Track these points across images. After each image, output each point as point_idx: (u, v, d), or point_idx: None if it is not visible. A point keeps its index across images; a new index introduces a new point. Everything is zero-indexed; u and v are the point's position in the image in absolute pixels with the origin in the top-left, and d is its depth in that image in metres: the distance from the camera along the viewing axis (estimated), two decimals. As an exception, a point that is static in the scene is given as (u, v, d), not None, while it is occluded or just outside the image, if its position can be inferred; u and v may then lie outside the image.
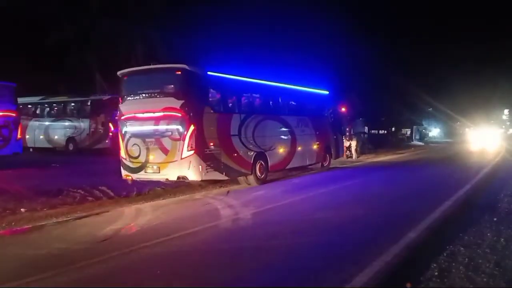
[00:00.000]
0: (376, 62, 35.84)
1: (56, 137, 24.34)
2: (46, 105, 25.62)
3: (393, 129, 54.44)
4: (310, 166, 17.84)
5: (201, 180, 12.23)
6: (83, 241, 7.17)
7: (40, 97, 25.70)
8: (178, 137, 11.60)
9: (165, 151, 11.78)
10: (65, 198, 10.81)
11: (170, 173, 11.81)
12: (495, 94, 52.78)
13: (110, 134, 22.40)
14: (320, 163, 18.12)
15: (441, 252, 5.90)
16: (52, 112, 25.36)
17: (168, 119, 11.73)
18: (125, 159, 12.35)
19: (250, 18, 29.77)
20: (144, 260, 6.24)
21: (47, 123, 24.78)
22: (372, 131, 48.01)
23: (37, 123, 24.85)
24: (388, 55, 38.59)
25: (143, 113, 12.06)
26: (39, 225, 8.45)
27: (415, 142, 51.83)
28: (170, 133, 11.71)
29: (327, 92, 19.30)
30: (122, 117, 12.49)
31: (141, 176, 12.16)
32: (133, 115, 12.22)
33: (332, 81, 21.86)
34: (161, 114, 11.77)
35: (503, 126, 59.32)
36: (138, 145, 12.00)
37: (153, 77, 12.57)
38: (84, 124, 23.41)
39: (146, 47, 28.34)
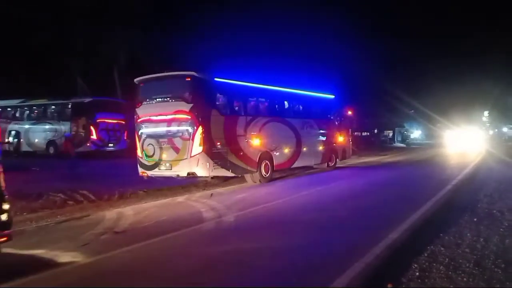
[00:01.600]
0: (358, 64, 36.22)
1: (36, 140, 23.97)
2: (26, 108, 25.22)
3: (376, 131, 54.91)
4: (316, 166, 18.86)
5: (211, 177, 13.65)
6: (62, 246, 7.04)
7: (20, 100, 25.32)
8: (188, 137, 12.81)
9: (176, 150, 13.00)
10: (45, 203, 10.65)
11: (181, 170, 12.99)
12: (475, 97, 53.71)
13: (93, 137, 22.18)
14: (326, 163, 19.16)
15: (422, 252, 5.95)
16: (32, 115, 24.97)
17: (179, 121, 12.99)
18: (141, 157, 13.65)
19: (254, 24, 30.13)
20: (125, 265, 6.17)
21: (27, 126, 24.39)
22: (355, 133, 48.35)
23: (16, 126, 24.46)
24: (370, 57, 39.01)
25: (157, 115, 13.35)
26: (19, 230, 8.26)
27: (397, 144, 52.36)
28: (181, 133, 12.93)
29: (333, 96, 20.30)
30: (139, 120, 13.78)
31: (155, 172, 13.41)
32: (148, 117, 13.53)
33: (325, 84, 22.14)
34: (172, 116, 13.06)
35: (483, 128, 60.24)
36: (153, 145, 13.28)
37: (165, 83, 13.83)
38: (65, 127, 23.08)
39: (129, 51, 28.16)
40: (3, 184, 5.89)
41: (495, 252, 5.91)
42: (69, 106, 23.86)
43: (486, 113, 62.93)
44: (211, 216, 9.32)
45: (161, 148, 13.17)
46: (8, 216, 5.91)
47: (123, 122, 23.83)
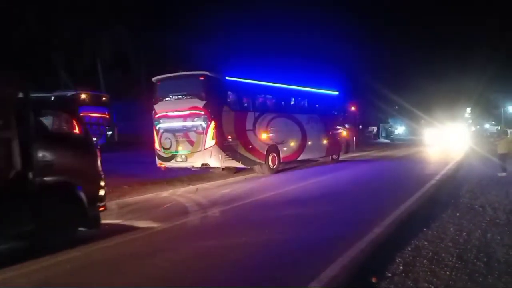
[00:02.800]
0: (344, 61, 36.41)
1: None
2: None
3: (360, 126, 55.17)
4: (321, 159, 20.07)
5: (222, 168, 15.07)
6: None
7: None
8: (201, 131, 13.93)
9: (191, 143, 14.14)
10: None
11: (195, 161, 14.16)
12: (458, 93, 54.27)
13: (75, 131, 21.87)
14: (330, 156, 20.30)
15: (406, 246, 6.01)
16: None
17: (194, 116, 14.09)
18: (159, 150, 14.77)
19: (254, 22, 30.36)
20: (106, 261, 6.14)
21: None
22: (359, 127, 48.73)
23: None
24: (356, 54, 39.22)
25: (173, 111, 14.48)
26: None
27: (382, 140, 52.75)
28: (195, 128, 14.04)
29: (337, 93, 21.46)
30: (156, 116, 14.84)
31: (172, 164, 14.60)
32: (165, 113, 14.62)
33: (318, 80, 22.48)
34: (188, 112, 14.16)
35: (466, 124, 60.92)
36: (170, 139, 14.42)
37: (181, 82, 14.91)
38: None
39: (113, 45, 27.85)
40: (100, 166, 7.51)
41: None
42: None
43: (468, 109, 63.70)
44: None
45: (177, 142, 14.28)
46: (104, 191, 7.57)
47: (107, 116, 23.62)
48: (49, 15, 26.39)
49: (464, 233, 6.66)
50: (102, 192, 7.50)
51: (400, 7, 53.45)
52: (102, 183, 7.52)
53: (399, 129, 69.81)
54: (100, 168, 7.57)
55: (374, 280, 4.83)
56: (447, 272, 5.00)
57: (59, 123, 7.57)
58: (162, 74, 15.38)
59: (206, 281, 5.12)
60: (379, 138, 54.71)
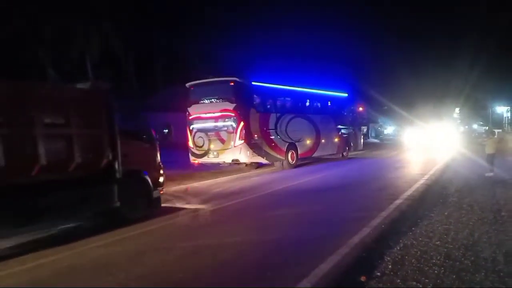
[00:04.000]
0: (333, 60, 36.56)
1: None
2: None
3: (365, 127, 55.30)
4: (332, 156, 21.88)
5: (246, 164, 17.19)
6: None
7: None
8: (232, 130, 15.79)
9: (222, 141, 16.01)
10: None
11: (226, 157, 16.06)
12: (447, 94, 54.61)
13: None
14: (340, 154, 22.24)
15: (395, 245, 6.07)
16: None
17: (225, 117, 15.90)
18: (193, 148, 16.69)
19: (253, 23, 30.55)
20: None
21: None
22: (369, 127, 48.93)
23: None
24: (344, 53, 39.39)
25: (206, 113, 16.29)
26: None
27: (371, 140, 52.96)
28: (226, 128, 15.89)
29: (346, 94, 23.12)
30: (190, 117, 16.68)
31: (204, 160, 16.55)
32: (198, 115, 16.46)
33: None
34: (219, 114, 15.99)
35: (455, 124, 61.31)
36: (202, 137, 16.29)
37: (212, 87, 16.61)
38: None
39: (102, 43, 27.64)
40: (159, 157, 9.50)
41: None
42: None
43: (457, 110, 64.22)
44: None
45: (209, 140, 16.16)
46: (163, 178, 9.56)
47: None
48: (36, 11, 26.12)
49: (452, 232, 6.74)
50: (161, 179, 9.50)
51: (387, 7, 53.57)
52: (162, 172, 9.51)
53: (388, 129, 70.19)
54: (159, 159, 9.53)
55: (363, 279, 4.87)
56: (435, 271, 5.06)
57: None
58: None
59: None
60: (369, 138, 54.94)
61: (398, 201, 9.57)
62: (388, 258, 5.51)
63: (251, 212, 9.43)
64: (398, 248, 5.95)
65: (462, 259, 5.46)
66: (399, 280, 4.81)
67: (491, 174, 13.80)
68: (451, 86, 50.96)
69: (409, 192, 10.81)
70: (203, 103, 16.56)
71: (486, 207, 8.65)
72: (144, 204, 8.80)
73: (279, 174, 16.25)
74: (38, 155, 6.78)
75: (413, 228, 6.97)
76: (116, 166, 8.05)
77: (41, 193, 6.87)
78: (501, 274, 4.93)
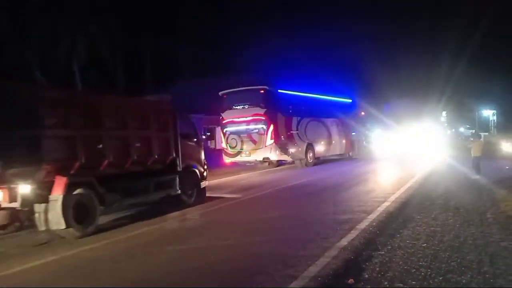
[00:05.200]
0: (318, 63, 36.65)
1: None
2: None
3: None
4: (341, 156, 24.17)
5: (269, 163, 19.92)
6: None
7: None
8: (262, 132, 18.25)
9: (254, 142, 18.52)
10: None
11: (257, 156, 18.61)
12: (434, 98, 54.87)
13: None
14: (347, 154, 24.59)
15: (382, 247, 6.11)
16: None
17: (256, 121, 18.37)
18: (226, 148, 19.25)
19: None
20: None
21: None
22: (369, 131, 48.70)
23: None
24: (329, 56, 39.52)
25: (238, 118, 18.85)
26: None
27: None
28: (257, 130, 18.31)
29: (350, 100, 25.69)
30: (224, 121, 19.31)
31: (237, 159, 19.15)
32: (231, 120, 19.02)
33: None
34: (251, 118, 18.51)
35: (441, 127, 61.58)
36: (235, 139, 18.79)
37: (244, 94, 19.04)
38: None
39: (90, 45, 27.43)
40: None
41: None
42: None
43: (444, 113, 64.71)
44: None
45: (242, 141, 18.63)
46: (206, 172, 11.89)
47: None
48: (22, 14, 25.84)
49: (439, 234, 6.79)
50: (205, 173, 11.77)
51: (369, 7, 53.97)
52: (205, 167, 11.82)
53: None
54: (204, 156, 11.88)
55: (351, 281, 4.89)
56: (422, 273, 5.09)
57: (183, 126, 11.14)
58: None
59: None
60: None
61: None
62: (376, 260, 5.54)
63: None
64: (385, 250, 5.99)
65: (449, 261, 5.50)
66: (386, 282, 4.85)
67: (477, 176, 13.94)
68: (439, 90, 51.23)
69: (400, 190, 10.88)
70: (236, 108, 19.03)
71: (472, 209, 8.73)
72: (195, 192, 11.17)
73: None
74: (130, 151, 9.14)
75: (401, 231, 7.02)
76: (178, 161, 10.55)
77: (131, 180, 9.27)
78: (487, 275, 4.98)
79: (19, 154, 7.14)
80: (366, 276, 5.05)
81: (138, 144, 9.32)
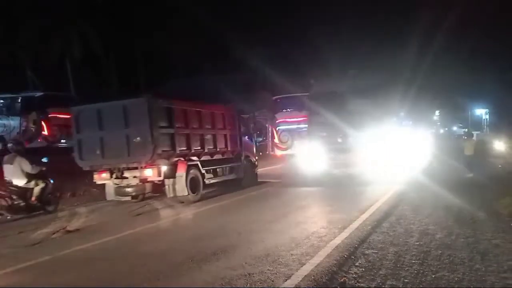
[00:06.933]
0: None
1: (-17, 136, 22.78)
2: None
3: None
4: None
5: None
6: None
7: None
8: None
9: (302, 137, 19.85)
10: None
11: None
12: (427, 97, 55.12)
13: (44, 133, 21.30)
14: None
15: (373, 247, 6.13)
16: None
17: (303, 122, 19.22)
18: (278, 143, 22.01)
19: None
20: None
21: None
22: None
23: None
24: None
25: (290, 118, 21.77)
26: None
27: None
28: (305, 128, 18.78)
29: None
30: (277, 121, 22.19)
31: (288, 152, 21.32)
32: (283, 120, 22.10)
33: None
34: (301, 119, 20.01)
35: (434, 126, 61.82)
36: (286, 136, 21.66)
37: (294, 100, 21.64)
38: (14, 122, 22.04)
39: (82, 44, 27.27)
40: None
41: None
42: (19, 100, 22.81)
43: (437, 112, 64.98)
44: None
45: (292, 137, 21.28)
46: (257, 162, 15.37)
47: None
48: (13, 12, 25.66)
49: (430, 232, 6.83)
50: (256, 162, 15.25)
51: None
52: (256, 157, 15.32)
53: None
54: (255, 149, 15.40)
55: (343, 279, 4.90)
56: (415, 271, 5.11)
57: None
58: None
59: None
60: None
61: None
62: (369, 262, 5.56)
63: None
64: (376, 250, 6.01)
65: (440, 259, 5.53)
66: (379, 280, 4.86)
67: (470, 175, 14.01)
68: (433, 90, 51.45)
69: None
70: (287, 111, 22.14)
71: (464, 208, 8.77)
72: (252, 177, 14.68)
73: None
74: (216, 145, 12.95)
75: (392, 228, 7.04)
76: (241, 152, 14.19)
77: (216, 165, 12.99)
78: (479, 273, 5.00)
79: (162, 146, 10.76)
80: (356, 276, 5.05)
81: (220, 140, 13.11)
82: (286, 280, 5.02)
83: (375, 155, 13.85)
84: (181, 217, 10.19)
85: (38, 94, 22.51)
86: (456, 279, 4.85)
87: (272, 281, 5.01)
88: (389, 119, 14.77)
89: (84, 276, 5.70)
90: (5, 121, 22.26)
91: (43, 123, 21.24)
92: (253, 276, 5.17)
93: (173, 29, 28.39)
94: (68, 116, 23.53)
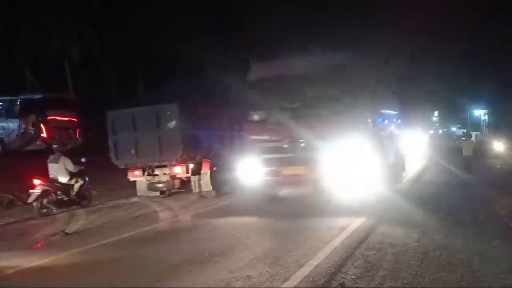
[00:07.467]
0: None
1: (-18, 138, 22.74)
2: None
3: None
4: None
5: None
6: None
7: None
8: None
9: None
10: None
11: None
12: (428, 98, 55.08)
13: (43, 135, 21.26)
14: None
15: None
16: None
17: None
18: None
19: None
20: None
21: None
22: None
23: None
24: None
25: None
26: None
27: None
28: None
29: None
30: None
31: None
32: None
33: None
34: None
35: (433, 127, 61.66)
36: None
37: None
38: (13, 124, 22.02)
39: (81, 45, 27.25)
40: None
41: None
42: (18, 103, 22.78)
43: (436, 113, 64.95)
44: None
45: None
46: None
47: (75, 120, 23.05)
48: (12, 13, 25.62)
49: (430, 233, 6.83)
50: None
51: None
52: None
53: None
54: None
55: (341, 280, 4.89)
56: (413, 272, 5.11)
57: None
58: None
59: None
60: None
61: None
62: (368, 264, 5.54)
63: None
64: (374, 251, 6.00)
65: (439, 260, 5.53)
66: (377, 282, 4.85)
67: (468, 176, 14.03)
68: (432, 92, 51.41)
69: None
70: None
71: (464, 208, 8.78)
72: None
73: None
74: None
75: (391, 230, 7.04)
76: None
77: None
78: (477, 274, 5.01)
79: (189, 145, 11.87)
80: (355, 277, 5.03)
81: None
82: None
83: (339, 166, 9.27)
84: (180, 219, 10.18)
85: (37, 96, 22.48)
86: (454, 280, 4.85)
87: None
88: (364, 117, 10.05)
89: (83, 278, 5.72)
90: (4, 124, 22.26)
91: (42, 125, 21.24)
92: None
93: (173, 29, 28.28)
94: (67, 119, 23.75)
